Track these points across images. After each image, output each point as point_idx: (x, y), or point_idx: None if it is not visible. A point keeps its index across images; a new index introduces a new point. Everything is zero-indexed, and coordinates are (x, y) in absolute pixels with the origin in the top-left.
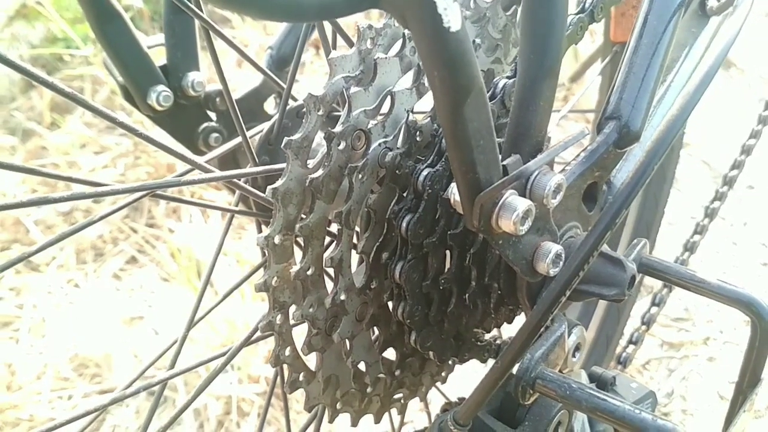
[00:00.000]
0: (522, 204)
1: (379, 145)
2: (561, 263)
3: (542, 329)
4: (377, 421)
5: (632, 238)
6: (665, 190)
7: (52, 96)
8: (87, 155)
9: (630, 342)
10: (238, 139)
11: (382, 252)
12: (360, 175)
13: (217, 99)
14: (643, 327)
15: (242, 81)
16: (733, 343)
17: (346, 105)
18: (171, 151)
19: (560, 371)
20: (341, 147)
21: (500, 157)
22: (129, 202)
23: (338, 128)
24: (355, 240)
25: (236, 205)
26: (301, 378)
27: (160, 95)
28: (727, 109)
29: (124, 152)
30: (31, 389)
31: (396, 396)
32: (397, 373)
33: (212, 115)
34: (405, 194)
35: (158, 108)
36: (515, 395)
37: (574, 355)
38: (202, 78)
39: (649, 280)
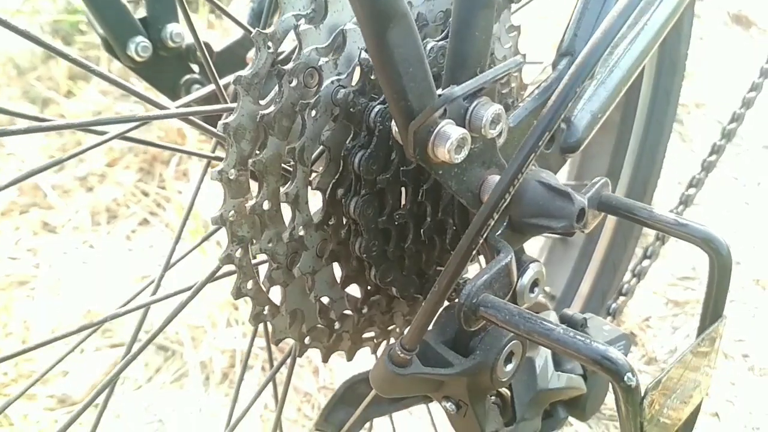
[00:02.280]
0: (456, 132)
1: (332, 82)
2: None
3: (473, 252)
4: (349, 358)
5: (628, 194)
6: (662, 143)
7: (69, 65)
8: None
9: (620, 294)
10: (212, 86)
11: (337, 188)
12: (313, 112)
13: (198, 51)
14: (634, 279)
15: None
16: (739, 302)
17: (297, 43)
18: (132, 91)
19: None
20: (293, 84)
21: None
22: (99, 142)
23: (289, 65)
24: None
25: (213, 151)
26: (265, 311)
27: (139, 46)
28: (745, 69)
29: None
30: None
31: (367, 335)
32: (365, 310)
33: (195, 67)
34: (359, 131)
35: (137, 59)
36: (458, 321)
37: (532, 291)
38: (180, 29)
39: (644, 235)
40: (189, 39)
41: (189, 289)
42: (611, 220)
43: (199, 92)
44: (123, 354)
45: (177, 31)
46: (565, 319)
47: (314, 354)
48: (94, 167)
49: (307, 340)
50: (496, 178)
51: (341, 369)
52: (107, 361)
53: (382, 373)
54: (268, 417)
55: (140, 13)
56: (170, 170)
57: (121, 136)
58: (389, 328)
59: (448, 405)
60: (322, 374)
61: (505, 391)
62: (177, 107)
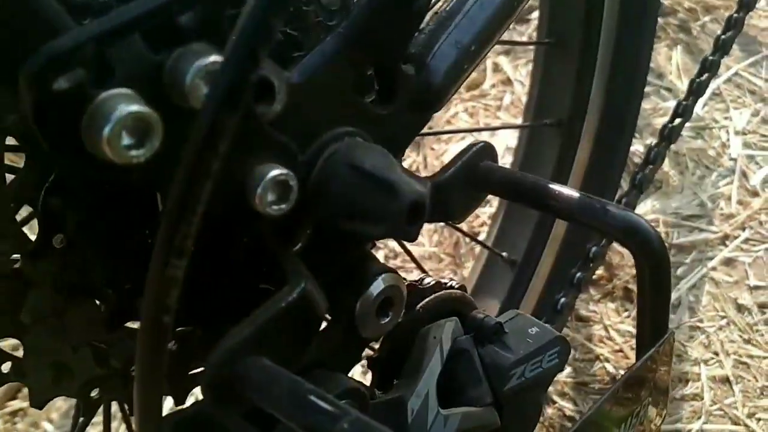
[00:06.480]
0: (123, 110)
1: None
2: (294, 191)
3: (170, 301)
4: (178, 403)
5: (598, 133)
6: (642, 61)
7: None
8: None
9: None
10: None
11: (52, 196)
12: None
13: None
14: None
15: None
16: (757, 240)
17: None
18: None
19: (372, 339)
20: None
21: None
22: None
23: None
24: None
25: None
26: (4, 370)
27: None
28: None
29: None
30: None
31: (198, 371)
32: (173, 346)
33: None
34: None
35: None
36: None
37: (384, 314)
38: None
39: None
40: None
41: None
42: (580, 162)
43: None
44: None
45: None
46: (475, 325)
47: None
48: None
49: (93, 394)
50: (265, 169)
51: None
52: None
53: None
54: None
55: None
56: None
57: None
58: None
59: None
60: None
61: None
62: None
